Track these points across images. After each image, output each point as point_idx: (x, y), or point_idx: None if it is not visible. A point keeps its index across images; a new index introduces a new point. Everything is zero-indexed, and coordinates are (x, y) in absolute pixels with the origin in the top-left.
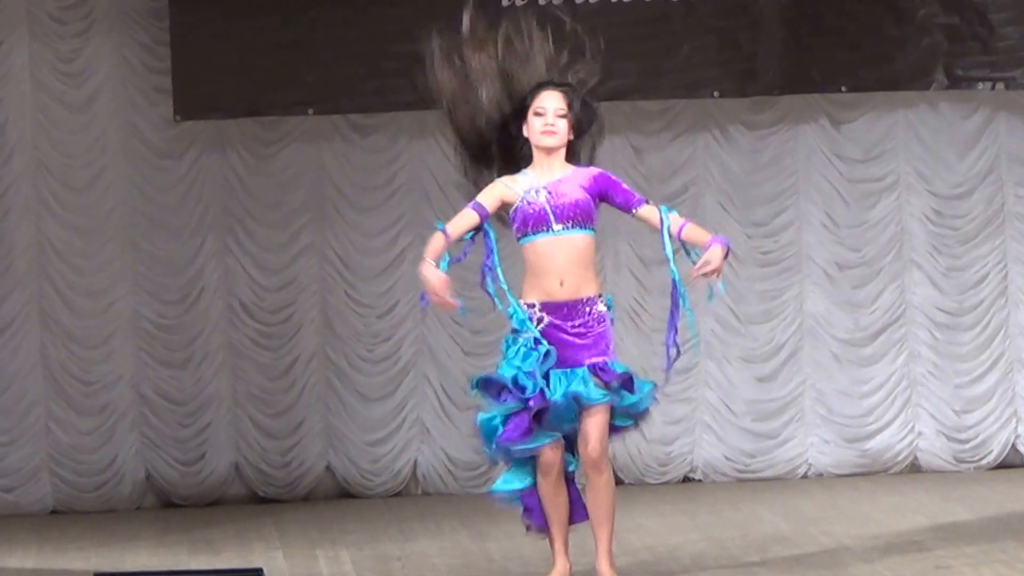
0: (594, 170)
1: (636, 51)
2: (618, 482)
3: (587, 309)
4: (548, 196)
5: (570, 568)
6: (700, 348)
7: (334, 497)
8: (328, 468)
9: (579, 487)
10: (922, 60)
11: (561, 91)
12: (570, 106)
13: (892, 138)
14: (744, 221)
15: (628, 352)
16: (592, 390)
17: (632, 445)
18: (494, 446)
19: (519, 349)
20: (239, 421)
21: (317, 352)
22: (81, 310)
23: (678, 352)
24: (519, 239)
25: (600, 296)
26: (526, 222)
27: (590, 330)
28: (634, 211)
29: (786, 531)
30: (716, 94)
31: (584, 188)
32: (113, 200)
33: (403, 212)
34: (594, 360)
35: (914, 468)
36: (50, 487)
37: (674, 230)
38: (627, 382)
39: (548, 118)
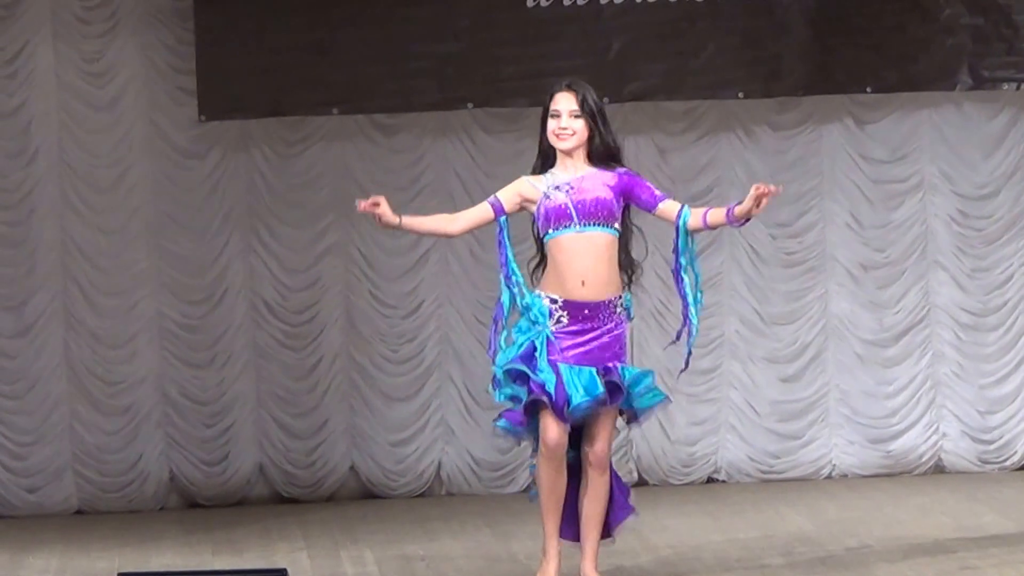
0: (619, 168)
1: (661, 52)
2: (642, 483)
3: (607, 312)
4: (570, 192)
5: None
6: (724, 347)
7: (358, 497)
8: (352, 468)
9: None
10: (947, 60)
11: (573, 91)
12: (583, 104)
13: (917, 138)
14: (768, 221)
15: (652, 353)
16: (598, 388)
17: (656, 446)
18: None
19: (522, 343)
20: (263, 421)
21: (341, 352)
22: (105, 310)
23: (689, 333)
24: (543, 235)
25: (621, 297)
26: (548, 218)
27: (608, 332)
28: (656, 207)
29: (810, 532)
30: (740, 95)
31: (608, 186)
32: (137, 200)
33: (427, 212)
34: (607, 363)
35: (938, 469)
36: (74, 487)
37: (697, 221)
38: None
39: (563, 121)
